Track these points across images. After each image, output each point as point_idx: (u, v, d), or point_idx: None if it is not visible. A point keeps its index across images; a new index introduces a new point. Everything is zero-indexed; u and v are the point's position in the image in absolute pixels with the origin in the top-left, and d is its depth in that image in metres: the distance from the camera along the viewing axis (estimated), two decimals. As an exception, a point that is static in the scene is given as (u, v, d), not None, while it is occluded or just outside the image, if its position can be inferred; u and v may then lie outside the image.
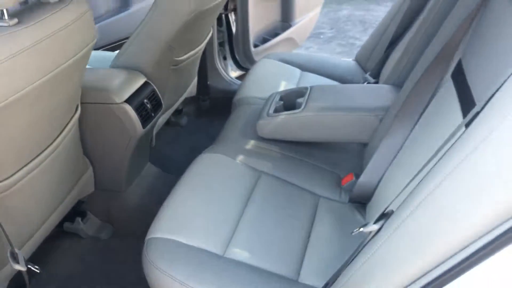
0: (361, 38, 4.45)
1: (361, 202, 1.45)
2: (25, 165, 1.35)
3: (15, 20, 1.16)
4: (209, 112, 2.81)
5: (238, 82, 2.80)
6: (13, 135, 1.25)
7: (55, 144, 1.47)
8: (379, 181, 1.37)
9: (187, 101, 2.58)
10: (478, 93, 0.99)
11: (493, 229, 0.75)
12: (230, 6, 2.69)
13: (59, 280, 1.73)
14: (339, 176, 1.59)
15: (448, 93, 1.18)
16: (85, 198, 1.89)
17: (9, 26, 1.15)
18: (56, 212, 1.64)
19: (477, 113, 0.81)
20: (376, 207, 1.32)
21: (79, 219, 1.89)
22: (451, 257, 0.80)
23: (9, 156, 1.28)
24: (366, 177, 1.40)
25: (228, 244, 1.27)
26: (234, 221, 1.34)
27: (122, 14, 3.32)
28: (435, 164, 0.88)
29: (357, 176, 1.49)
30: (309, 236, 1.35)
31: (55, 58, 1.27)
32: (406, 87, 1.47)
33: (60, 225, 1.75)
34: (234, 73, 2.92)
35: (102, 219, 1.97)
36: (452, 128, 0.98)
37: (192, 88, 2.49)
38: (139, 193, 2.01)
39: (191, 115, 2.78)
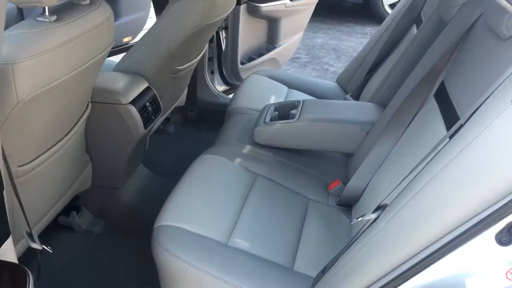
0: (335, 64, 4.70)
1: (348, 204, 1.61)
2: (44, 153, 1.45)
3: (55, 17, 1.28)
4: (196, 122, 2.92)
5: (225, 96, 2.94)
6: (41, 123, 1.35)
7: (68, 136, 1.57)
8: (366, 186, 1.54)
9: (175, 110, 2.70)
10: (461, 109, 1.17)
11: (473, 217, 0.93)
12: (222, 24, 2.85)
13: (52, 271, 1.79)
14: (326, 182, 1.75)
15: (432, 110, 1.36)
16: (81, 193, 1.97)
17: (50, 22, 1.26)
18: (59, 203, 1.72)
19: (462, 125, 0.99)
20: (363, 208, 1.47)
21: (74, 213, 1.96)
22: (436, 241, 0.97)
23: (33, 142, 1.38)
24: (355, 182, 1.55)
25: (230, 235, 1.39)
26: (235, 215, 1.47)
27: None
28: (424, 166, 1.05)
29: (344, 182, 1.66)
30: (301, 232, 1.49)
31: (84, 55, 1.39)
32: (392, 105, 1.65)
33: (54, 218, 1.82)
34: (219, 87, 3.06)
35: (95, 215, 2.04)
36: (435, 138, 1.16)
37: (182, 98, 2.62)
38: (132, 192, 2.10)
39: (178, 124, 2.89)
